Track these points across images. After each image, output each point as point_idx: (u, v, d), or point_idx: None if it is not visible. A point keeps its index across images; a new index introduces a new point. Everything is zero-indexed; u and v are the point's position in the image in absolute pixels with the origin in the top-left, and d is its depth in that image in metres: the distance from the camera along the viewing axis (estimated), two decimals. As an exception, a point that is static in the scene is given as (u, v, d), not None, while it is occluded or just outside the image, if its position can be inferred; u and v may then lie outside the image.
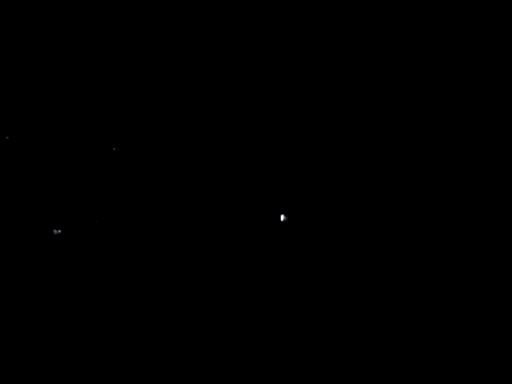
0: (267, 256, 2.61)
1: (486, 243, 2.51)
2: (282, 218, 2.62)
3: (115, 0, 2.61)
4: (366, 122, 2.62)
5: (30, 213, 2.62)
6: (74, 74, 2.65)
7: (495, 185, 2.54)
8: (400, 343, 2.34)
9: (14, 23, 2.61)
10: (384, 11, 2.57)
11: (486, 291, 2.43)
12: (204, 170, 2.69)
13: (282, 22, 2.61)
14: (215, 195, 2.68)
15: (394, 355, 2.29)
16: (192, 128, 2.69)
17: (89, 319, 2.45)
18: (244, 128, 2.67)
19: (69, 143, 2.67)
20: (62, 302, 2.51)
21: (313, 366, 2.29)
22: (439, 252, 2.54)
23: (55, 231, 2.57)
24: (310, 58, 2.64)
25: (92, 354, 2.32)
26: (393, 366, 2.25)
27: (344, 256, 2.58)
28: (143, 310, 2.50)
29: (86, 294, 2.53)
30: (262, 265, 2.59)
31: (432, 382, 2.19)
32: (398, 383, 2.21)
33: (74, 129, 2.67)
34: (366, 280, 2.52)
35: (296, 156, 2.67)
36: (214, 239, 2.66)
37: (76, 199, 2.65)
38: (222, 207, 2.67)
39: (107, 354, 2.32)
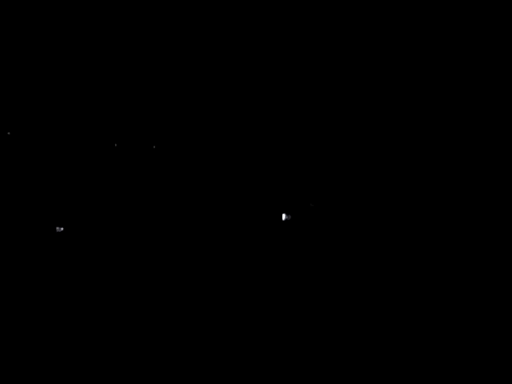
0: (268, 256, 2.60)
1: (486, 243, 2.51)
2: (284, 217, 2.61)
3: (115, 0, 2.61)
4: (366, 121, 2.62)
5: (32, 210, 2.61)
6: (74, 74, 2.65)
7: (495, 185, 2.54)
8: (400, 343, 2.34)
9: (14, 23, 2.61)
10: (384, 11, 2.57)
11: (486, 291, 2.43)
12: (204, 168, 2.69)
13: (282, 22, 2.61)
14: (215, 194, 2.68)
15: (394, 355, 2.29)
16: (192, 127, 2.69)
17: (90, 317, 2.45)
18: (244, 126, 2.67)
19: (70, 141, 2.66)
20: (63, 300, 2.51)
21: (313, 365, 2.29)
22: (440, 252, 2.54)
23: (58, 228, 2.57)
24: (310, 57, 2.64)
25: (92, 352, 2.32)
26: (393, 365, 2.25)
27: (346, 256, 2.58)
28: (144, 310, 2.50)
29: (87, 292, 2.53)
30: (263, 265, 2.59)
31: (432, 382, 2.19)
32: (398, 383, 2.21)
33: (75, 127, 2.67)
34: (368, 280, 2.52)
35: (296, 154, 2.66)
36: (213, 238, 2.65)
37: (78, 197, 2.65)
38: (222, 206, 2.67)
39: (108, 352, 2.32)
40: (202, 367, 2.27)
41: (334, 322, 2.42)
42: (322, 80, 2.63)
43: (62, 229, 2.57)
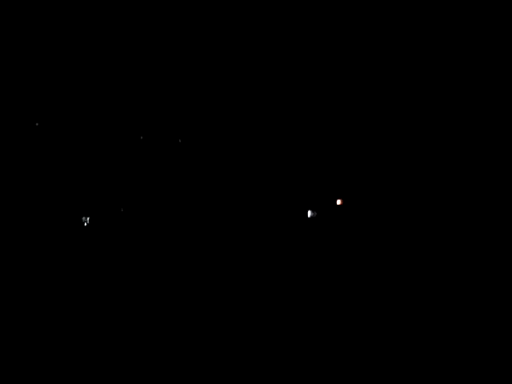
0: (289, 252, 2.60)
1: (486, 243, 2.51)
2: (310, 213, 2.61)
3: (116, 0, 2.61)
4: (369, 122, 2.62)
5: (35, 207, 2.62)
6: (75, 75, 2.65)
7: (495, 185, 2.54)
8: (401, 343, 2.34)
9: (14, 23, 2.61)
10: (384, 11, 2.56)
11: (486, 291, 2.43)
12: (218, 169, 2.69)
13: (282, 23, 2.61)
14: (231, 194, 2.68)
15: (395, 355, 2.29)
16: (199, 127, 2.69)
17: (92, 318, 2.46)
18: (257, 128, 2.67)
19: (74, 144, 2.67)
20: (66, 300, 2.51)
21: (316, 365, 2.29)
22: (442, 253, 2.54)
23: (84, 219, 2.56)
24: (311, 58, 2.63)
25: (93, 352, 2.33)
26: (393, 365, 2.26)
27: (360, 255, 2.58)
28: (145, 310, 2.50)
29: (89, 292, 2.54)
30: (282, 260, 2.58)
31: (432, 382, 2.19)
32: (398, 383, 2.21)
33: (77, 130, 2.67)
34: (380, 280, 2.52)
35: (310, 155, 2.66)
36: (227, 237, 2.65)
37: (81, 201, 2.65)
38: (240, 206, 2.67)
39: (108, 352, 2.33)
40: (202, 367, 2.27)
41: (343, 321, 2.42)
42: (323, 82, 2.62)
43: (86, 219, 2.56)
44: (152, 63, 2.67)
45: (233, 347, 2.36)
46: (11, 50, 2.62)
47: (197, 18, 2.64)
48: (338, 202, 2.58)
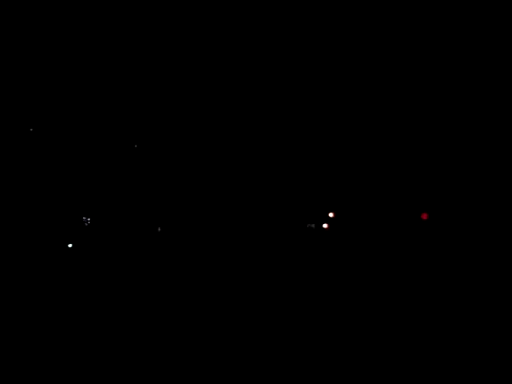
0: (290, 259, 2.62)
1: (486, 243, 2.51)
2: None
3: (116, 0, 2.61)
4: (374, 126, 2.62)
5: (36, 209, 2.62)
6: (76, 75, 2.65)
7: (495, 185, 2.54)
8: (403, 343, 2.34)
9: (14, 23, 2.61)
10: (384, 11, 2.57)
11: (486, 291, 2.44)
12: (219, 173, 2.69)
13: (282, 23, 2.61)
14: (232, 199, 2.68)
15: (397, 355, 2.30)
16: (203, 130, 2.69)
17: (92, 319, 2.46)
18: (259, 132, 2.67)
19: (75, 145, 2.67)
20: (67, 302, 2.51)
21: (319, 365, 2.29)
22: (449, 255, 2.54)
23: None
24: (312, 58, 2.64)
25: (93, 352, 2.33)
26: (393, 365, 2.26)
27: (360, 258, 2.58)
28: (147, 311, 2.51)
29: (89, 293, 2.54)
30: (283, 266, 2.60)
31: (432, 382, 2.20)
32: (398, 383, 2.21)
33: (77, 131, 2.67)
34: (378, 281, 2.52)
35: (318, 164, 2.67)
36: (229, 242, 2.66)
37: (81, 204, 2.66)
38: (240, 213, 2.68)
39: (108, 353, 2.33)
40: (202, 367, 2.28)
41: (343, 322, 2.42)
42: (325, 83, 2.62)
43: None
44: (151, 64, 2.67)
45: (229, 347, 2.36)
46: (11, 50, 2.62)
47: (197, 18, 2.64)
48: (331, 214, 2.65)
